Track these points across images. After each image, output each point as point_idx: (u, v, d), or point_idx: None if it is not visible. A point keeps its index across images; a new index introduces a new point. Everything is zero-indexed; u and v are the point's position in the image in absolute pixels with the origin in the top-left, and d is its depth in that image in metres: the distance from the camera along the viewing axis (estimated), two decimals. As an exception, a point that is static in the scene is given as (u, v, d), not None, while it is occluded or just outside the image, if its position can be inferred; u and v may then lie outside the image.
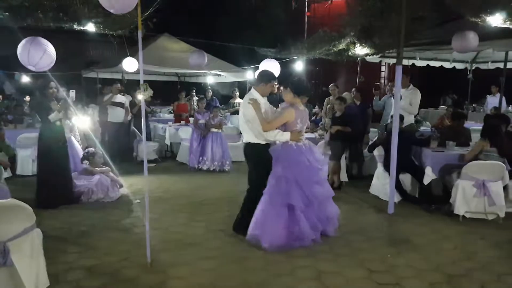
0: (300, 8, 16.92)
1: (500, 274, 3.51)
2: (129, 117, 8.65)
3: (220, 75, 12.16)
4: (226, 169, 7.85)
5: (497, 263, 3.75)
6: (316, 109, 8.81)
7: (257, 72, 4.67)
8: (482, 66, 9.82)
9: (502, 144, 4.96)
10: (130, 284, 3.34)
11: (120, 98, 8.54)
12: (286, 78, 4.56)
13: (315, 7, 16.79)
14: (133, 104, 8.75)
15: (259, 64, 8.79)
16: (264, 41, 12.29)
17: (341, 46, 7.54)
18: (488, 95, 11.38)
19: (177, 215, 5.12)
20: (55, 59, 4.85)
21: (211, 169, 7.78)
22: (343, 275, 3.52)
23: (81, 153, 6.32)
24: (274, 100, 7.02)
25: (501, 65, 8.43)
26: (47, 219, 4.86)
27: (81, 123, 6.91)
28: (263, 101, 4.29)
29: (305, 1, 16.69)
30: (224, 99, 13.41)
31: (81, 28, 5.10)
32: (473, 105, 11.87)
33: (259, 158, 4.23)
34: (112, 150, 8.30)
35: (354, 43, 7.44)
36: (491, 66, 9.48)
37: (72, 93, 5.69)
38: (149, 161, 8.38)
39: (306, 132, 7.53)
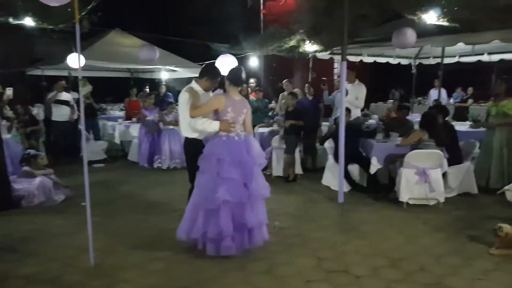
0: (255, 5, 16.99)
1: (439, 256, 3.73)
2: (75, 116, 8.30)
3: (175, 70, 11.95)
4: None
5: (436, 245, 3.98)
6: (272, 104, 8.89)
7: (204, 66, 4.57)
8: (425, 62, 10.33)
9: (438, 133, 5.26)
10: (74, 289, 3.21)
11: (65, 95, 8.17)
12: (204, 70, 4.32)
13: (270, 5, 16.89)
14: (79, 101, 8.40)
15: (213, 59, 8.76)
16: (220, 37, 12.22)
17: (292, 43, 7.66)
18: (431, 89, 12.04)
19: (126, 217, 4.95)
20: None
21: (171, 167, 7.60)
22: (294, 265, 3.59)
23: (20, 154, 5.98)
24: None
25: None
26: (-18, 226, 4.57)
27: (20, 122, 6.54)
28: (202, 94, 4.12)
29: (260, -1, 16.79)
30: (178, 94, 13.21)
31: (19, 22, 4.81)
32: (418, 98, 12.47)
33: (194, 153, 3.99)
34: (58, 150, 7.97)
35: (304, 40, 7.58)
36: (433, 61, 9.98)
37: (10, 91, 5.37)
38: (97, 161, 8.10)
39: (261, 127, 7.71)
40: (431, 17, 4.87)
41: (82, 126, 3.54)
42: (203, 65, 4.47)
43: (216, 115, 3.86)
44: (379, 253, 3.81)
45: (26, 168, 5.55)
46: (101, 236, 4.03)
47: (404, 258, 3.70)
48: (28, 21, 4.77)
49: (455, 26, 5.00)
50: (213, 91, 4.36)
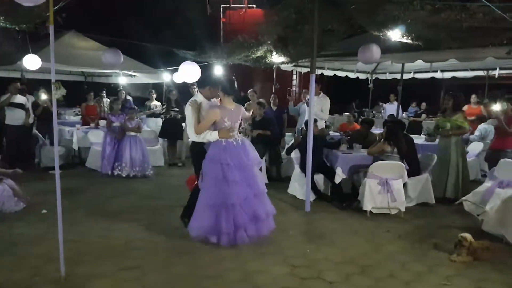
0: (215, 13, 17.04)
1: (404, 263, 3.92)
2: (30, 120, 7.87)
3: (134, 75, 11.67)
4: (149, 174, 7.55)
5: (401, 253, 4.18)
6: None
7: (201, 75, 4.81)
8: (381, 77, 10.89)
9: (401, 146, 5.55)
10: (44, 301, 3.06)
11: (19, 98, 7.73)
12: (205, 79, 4.84)
13: (230, 14, 17.01)
14: (35, 105, 7.99)
15: (176, 65, 8.65)
16: (180, 43, 12.09)
17: (259, 53, 7.77)
18: (384, 103, 12.66)
19: (92, 225, 4.78)
20: None
21: (131, 175, 7.38)
22: (270, 273, 3.63)
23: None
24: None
25: (397, 76, 9.45)
26: None
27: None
28: (207, 103, 4.47)
29: (220, 7, 16.86)
30: (137, 100, 12.89)
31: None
32: (373, 112, 13.05)
33: (199, 155, 4.39)
34: (11, 156, 7.50)
35: (270, 51, 7.72)
36: (389, 76, 10.57)
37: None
38: (53, 168, 7.68)
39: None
40: (396, 35, 5.15)
41: (55, 131, 3.35)
42: (203, 75, 4.91)
43: (214, 125, 4.29)
44: (349, 260, 3.95)
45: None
46: (67, 245, 3.84)
47: (372, 265, 3.85)
48: (-11, 19, 4.50)
49: (418, 44, 5.32)
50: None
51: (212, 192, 4.13)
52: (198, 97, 4.54)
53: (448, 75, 9.56)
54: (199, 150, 4.42)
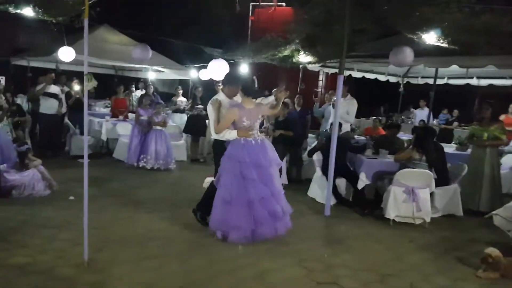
0: (244, 11, 17.05)
1: (427, 275, 3.80)
2: (63, 109, 8.11)
3: (162, 71, 11.85)
4: (171, 168, 7.69)
5: (424, 264, 4.06)
6: None
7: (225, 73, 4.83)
8: (413, 81, 10.59)
9: (430, 154, 5.38)
10: (66, 283, 3.16)
11: (54, 88, 7.99)
12: (226, 78, 4.86)
13: (259, 12, 16.98)
14: (68, 95, 8.23)
15: (203, 63, 8.73)
16: (207, 40, 12.17)
17: (286, 52, 7.72)
18: (414, 109, 12.33)
19: (116, 214, 4.91)
20: None
21: (155, 167, 7.54)
22: (284, 274, 3.61)
23: (10, 144, 5.81)
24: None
25: (429, 81, 9.14)
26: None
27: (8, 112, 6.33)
28: (227, 102, 4.49)
29: (249, 5, 16.86)
30: (164, 96, 13.09)
31: (17, 11, 4.69)
32: (402, 117, 12.75)
33: (220, 153, 4.45)
34: (43, 143, 7.76)
35: (298, 50, 7.66)
36: (421, 81, 10.24)
37: (2, 80, 5.21)
38: (82, 157, 7.90)
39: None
40: (431, 38, 4.98)
41: (85, 121, 3.45)
42: (226, 74, 4.88)
43: (234, 124, 4.34)
44: (368, 268, 3.86)
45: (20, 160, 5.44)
46: (92, 232, 3.94)
47: (392, 275, 3.75)
48: (28, 12, 4.66)
49: (454, 48, 5.12)
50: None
51: (230, 189, 4.18)
52: (220, 95, 4.59)
53: (484, 82, 9.18)
54: (220, 148, 4.47)
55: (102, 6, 5.36)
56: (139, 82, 11.49)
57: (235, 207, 4.16)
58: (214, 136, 4.55)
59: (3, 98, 5.59)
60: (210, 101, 4.52)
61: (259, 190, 4.18)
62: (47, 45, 12.50)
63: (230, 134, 4.32)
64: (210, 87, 9.41)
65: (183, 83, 12.47)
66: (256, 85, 4.46)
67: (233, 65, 9.52)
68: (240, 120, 4.27)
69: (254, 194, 4.14)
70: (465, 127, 10.52)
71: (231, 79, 4.71)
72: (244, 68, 10.03)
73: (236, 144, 4.29)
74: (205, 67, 8.09)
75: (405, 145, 5.85)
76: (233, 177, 4.19)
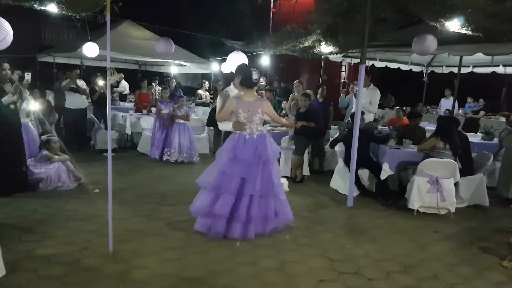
0: (265, 3, 16.98)
1: (451, 265, 3.75)
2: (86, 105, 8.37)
3: (184, 65, 11.97)
4: (195, 161, 7.80)
5: (448, 254, 4.00)
6: (284, 104, 8.89)
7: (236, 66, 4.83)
8: (437, 70, 10.33)
9: (453, 142, 5.27)
10: (92, 273, 3.25)
11: (79, 83, 8.20)
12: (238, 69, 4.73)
13: (280, 3, 16.88)
14: (93, 91, 8.43)
15: (224, 56, 8.77)
16: (229, 33, 12.23)
17: (307, 43, 7.65)
18: (442, 98, 12.03)
19: (139, 206, 5.02)
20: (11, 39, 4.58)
21: (179, 160, 7.66)
22: (306, 265, 3.62)
23: (37, 139, 6.01)
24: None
25: (454, 70, 8.91)
26: (0, 207, 4.64)
27: (35, 107, 6.54)
28: (234, 93, 4.49)
29: (270, -3, 16.78)
30: (186, 90, 13.23)
31: (42, 8, 4.82)
32: (427, 107, 12.47)
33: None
34: (69, 138, 8.00)
35: (319, 41, 7.57)
36: (445, 70, 9.99)
37: (28, 75, 5.38)
38: (107, 150, 8.09)
39: (271, 127, 7.73)
40: (454, 25, 4.84)
41: (108, 115, 3.54)
42: (236, 66, 4.78)
43: (232, 115, 4.30)
44: (391, 258, 3.84)
45: (45, 152, 5.61)
46: (116, 223, 4.06)
47: (416, 265, 3.72)
48: (52, 8, 4.79)
49: (479, 36, 4.97)
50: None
51: (209, 177, 4.21)
52: (230, 87, 4.63)
53: (511, 70, 8.88)
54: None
55: (125, 1, 5.45)
56: (165, 78, 11.66)
57: (209, 196, 4.14)
58: (221, 127, 4.61)
59: (28, 93, 5.75)
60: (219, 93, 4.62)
61: (234, 186, 4.08)
62: (72, 41, 12.84)
63: (226, 125, 4.36)
64: (231, 80, 9.45)
65: (205, 76, 12.58)
66: (256, 77, 4.28)
67: (254, 57, 9.53)
68: (236, 111, 4.23)
69: (225, 188, 4.08)
70: (492, 116, 10.21)
71: (237, 70, 4.67)
72: (265, 60, 10.02)
73: (230, 137, 4.33)
74: (227, 60, 8.13)
75: (428, 135, 5.71)
76: (216, 167, 4.22)
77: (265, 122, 7.53)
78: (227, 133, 4.68)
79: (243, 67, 4.63)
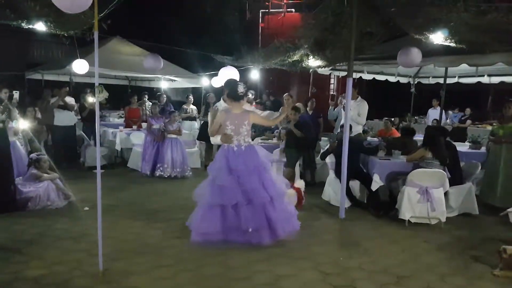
0: (254, 18, 17.18)
1: (443, 275, 3.76)
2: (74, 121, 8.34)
3: (174, 80, 12.00)
4: (188, 175, 7.78)
5: (440, 264, 4.01)
6: None
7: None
8: (424, 81, 10.51)
9: (441, 152, 5.33)
10: (82, 294, 3.20)
11: (68, 100, 8.17)
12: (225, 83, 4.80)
13: (269, 19, 17.09)
14: (82, 107, 8.40)
15: (214, 70, 8.82)
16: (218, 48, 12.31)
17: (295, 57, 7.75)
18: (429, 109, 12.20)
19: (130, 223, 4.96)
20: None
21: (172, 175, 7.64)
22: (300, 279, 3.60)
23: (25, 157, 5.95)
24: None
25: (440, 80, 9.07)
26: (-13, 228, 4.56)
27: (24, 125, 6.48)
28: (223, 107, 4.66)
29: (259, 12, 16.99)
30: (177, 104, 13.24)
31: (30, 26, 4.83)
32: (415, 117, 12.62)
33: None
34: (58, 155, 7.92)
35: (307, 55, 7.68)
36: (432, 81, 10.16)
37: (16, 94, 5.36)
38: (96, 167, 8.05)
39: (262, 140, 7.76)
40: (438, 38, 4.96)
41: (97, 132, 3.53)
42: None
43: (221, 128, 4.42)
44: (384, 270, 3.83)
45: (34, 171, 5.54)
46: (107, 242, 4.01)
47: (409, 276, 3.72)
48: (40, 26, 4.80)
49: (462, 47, 5.10)
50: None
51: (203, 192, 4.31)
52: (221, 102, 4.81)
53: (496, 79, 9.07)
54: None
55: (114, 18, 5.49)
56: (157, 93, 11.66)
57: (204, 211, 4.24)
58: (213, 141, 4.79)
59: (17, 112, 5.71)
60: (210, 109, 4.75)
61: (231, 196, 4.15)
62: (61, 58, 12.80)
63: (216, 139, 4.53)
64: (222, 94, 9.52)
65: (196, 91, 12.61)
66: (242, 90, 4.39)
67: (244, 71, 9.61)
68: (224, 124, 4.35)
69: (224, 200, 4.15)
70: (479, 126, 10.37)
71: (224, 85, 4.75)
72: (255, 74, 10.11)
73: (219, 151, 4.45)
74: (217, 74, 8.17)
75: (418, 145, 5.79)
76: (209, 182, 4.31)
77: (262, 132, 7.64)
78: (220, 147, 4.74)
79: (229, 82, 4.69)
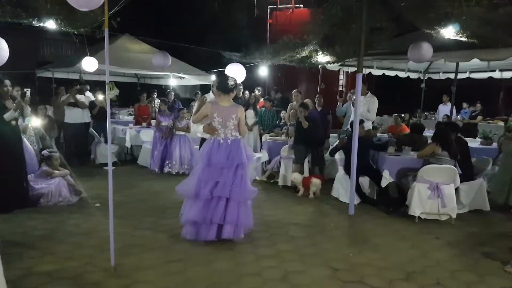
0: (262, 15, 17.14)
1: (453, 271, 3.74)
2: (88, 119, 8.41)
3: (183, 77, 12.03)
4: None
5: (450, 260, 3.99)
6: (282, 114, 8.94)
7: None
8: (434, 76, 10.38)
9: (451, 148, 5.28)
10: (94, 288, 3.24)
11: (81, 98, 8.26)
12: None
13: (277, 15, 17.03)
14: (92, 105, 8.48)
15: (222, 67, 8.81)
16: (226, 45, 12.32)
17: (304, 53, 7.71)
18: (440, 104, 12.08)
19: (140, 219, 5.01)
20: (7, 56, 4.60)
21: (180, 172, 7.68)
22: (309, 275, 3.61)
23: (34, 155, 6.03)
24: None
25: (451, 76, 8.96)
26: (1, 223, 4.63)
27: (36, 123, 6.57)
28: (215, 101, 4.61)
29: (267, 8, 16.95)
30: (186, 102, 13.29)
31: (40, 25, 4.88)
32: (425, 113, 12.51)
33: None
34: (69, 152, 8.01)
35: (316, 51, 7.64)
36: (442, 76, 10.02)
37: (28, 91, 5.42)
38: (107, 164, 8.10)
39: (270, 136, 7.77)
40: (449, 32, 4.89)
41: (108, 129, 3.56)
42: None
43: (208, 119, 4.40)
44: (393, 266, 3.83)
45: (45, 168, 5.61)
46: (118, 237, 4.06)
47: (419, 272, 3.71)
48: (51, 24, 4.84)
49: (474, 42, 5.03)
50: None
51: (188, 185, 4.32)
52: (210, 93, 4.92)
53: (507, 74, 8.93)
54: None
55: (123, 16, 5.52)
56: (167, 91, 11.72)
57: (190, 203, 4.29)
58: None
59: (29, 109, 5.78)
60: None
61: (207, 190, 4.17)
62: (71, 56, 12.92)
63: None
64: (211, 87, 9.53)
65: (204, 88, 12.63)
66: (232, 82, 4.38)
67: (252, 68, 9.61)
68: (211, 115, 4.33)
69: (201, 193, 4.18)
70: (490, 121, 10.23)
71: (215, 77, 4.80)
72: (263, 71, 10.10)
73: (206, 142, 4.46)
74: (225, 71, 8.18)
75: (428, 141, 5.73)
76: (194, 176, 4.33)
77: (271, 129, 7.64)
78: (204, 139, 4.83)
79: (220, 74, 4.74)
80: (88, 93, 8.67)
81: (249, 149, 4.52)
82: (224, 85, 4.36)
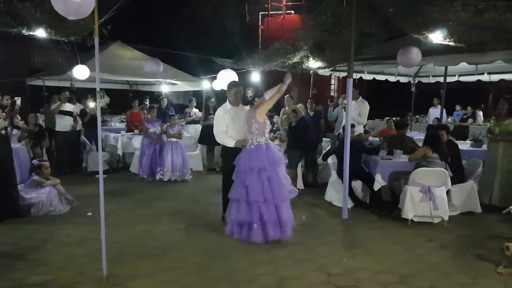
0: (253, 21, 17.23)
1: (447, 273, 3.76)
2: (78, 126, 8.33)
3: (175, 84, 12.02)
4: (188, 179, 7.77)
5: (443, 263, 4.01)
6: (275, 119, 8.96)
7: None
8: (424, 80, 10.50)
9: (442, 151, 5.33)
10: (87, 299, 3.21)
11: (68, 106, 8.21)
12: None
13: (268, 21, 17.13)
14: (83, 113, 8.42)
15: (214, 73, 8.85)
16: (219, 51, 12.35)
17: (296, 59, 7.77)
18: (430, 107, 12.21)
19: (133, 227, 4.97)
20: None
21: (172, 179, 7.64)
22: (304, 280, 3.60)
23: (28, 164, 5.96)
24: None
25: (441, 79, 9.07)
26: (-9, 234, 4.58)
27: (26, 132, 6.51)
28: (230, 108, 4.85)
29: (258, 14, 17.04)
30: (179, 108, 13.26)
31: (30, 33, 4.86)
32: (416, 116, 12.62)
33: (227, 158, 4.91)
34: (60, 161, 7.94)
35: (307, 57, 7.70)
36: (432, 80, 10.16)
37: (18, 100, 5.38)
38: (98, 172, 8.06)
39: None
40: (437, 37, 4.97)
41: (99, 137, 3.54)
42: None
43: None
44: (388, 270, 3.84)
45: (35, 177, 5.55)
46: (110, 246, 4.02)
47: (412, 275, 3.72)
48: (40, 33, 4.83)
49: (461, 46, 5.11)
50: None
51: (235, 188, 4.52)
52: (226, 103, 4.98)
53: (495, 77, 9.07)
54: (228, 155, 4.86)
55: (114, 23, 5.52)
56: (159, 97, 11.70)
57: (237, 205, 4.47)
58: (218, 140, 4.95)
59: (19, 118, 5.74)
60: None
61: (256, 193, 4.34)
62: (62, 64, 12.86)
63: (227, 141, 4.79)
64: (222, 97, 9.52)
65: (197, 94, 12.63)
66: (250, 94, 4.63)
67: (244, 74, 9.63)
68: (245, 125, 4.57)
69: (251, 195, 4.35)
70: (480, 124, 10.35)
71: (228, 87, 5.00)
72: (255, 76, 10.13)
73: (243, 151, 4.61)
74: (217, 77, 8.21)
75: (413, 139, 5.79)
76: (237, 179, 4.53)
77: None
78: (226, 148, 4.94)
79: (233, 82, 4.89)
80: (77, 104, 8.60)
81: (278, 149, 4.73)
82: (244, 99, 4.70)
